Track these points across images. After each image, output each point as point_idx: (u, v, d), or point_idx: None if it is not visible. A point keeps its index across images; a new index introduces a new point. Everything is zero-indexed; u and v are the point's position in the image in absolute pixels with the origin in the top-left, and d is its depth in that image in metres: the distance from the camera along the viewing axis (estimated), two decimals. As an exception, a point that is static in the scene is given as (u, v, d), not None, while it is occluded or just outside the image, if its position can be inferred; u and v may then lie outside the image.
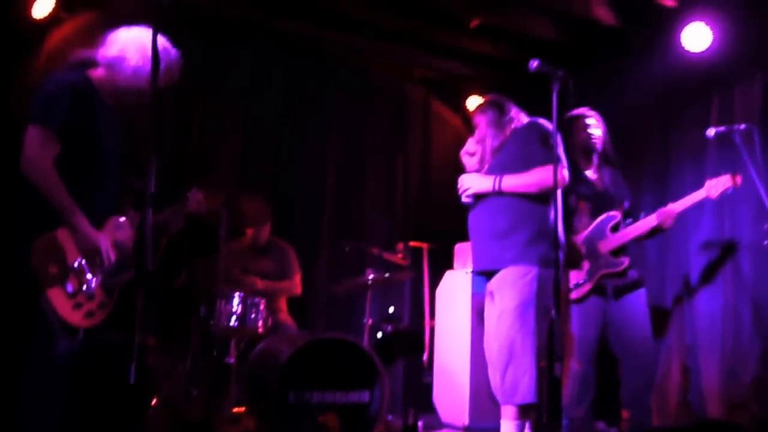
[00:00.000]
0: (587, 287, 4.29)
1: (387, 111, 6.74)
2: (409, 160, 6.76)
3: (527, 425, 3.57)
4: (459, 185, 3.88)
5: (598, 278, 4.28)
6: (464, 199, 3.85)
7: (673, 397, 4.98)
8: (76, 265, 2.82)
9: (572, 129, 4.50)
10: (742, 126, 4.08)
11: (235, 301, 4.47)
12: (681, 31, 5.01)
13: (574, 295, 4.32)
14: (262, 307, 4.58)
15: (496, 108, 3.96)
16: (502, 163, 3.81)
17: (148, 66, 2.99)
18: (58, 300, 2.74)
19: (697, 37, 4.96)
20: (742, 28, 4.85)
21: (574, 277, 4.34)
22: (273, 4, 5.49)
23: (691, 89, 5.20)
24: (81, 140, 2.88)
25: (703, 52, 4.97)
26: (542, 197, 3.70)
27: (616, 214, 4.38)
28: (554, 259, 3.39)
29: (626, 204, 4.47)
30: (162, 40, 3.10)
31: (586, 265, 4.33)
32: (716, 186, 4.12)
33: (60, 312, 2.72)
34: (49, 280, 2.74)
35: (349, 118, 6.50)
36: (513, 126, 3.91)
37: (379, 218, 6.49)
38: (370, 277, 5.06)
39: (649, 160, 5.44)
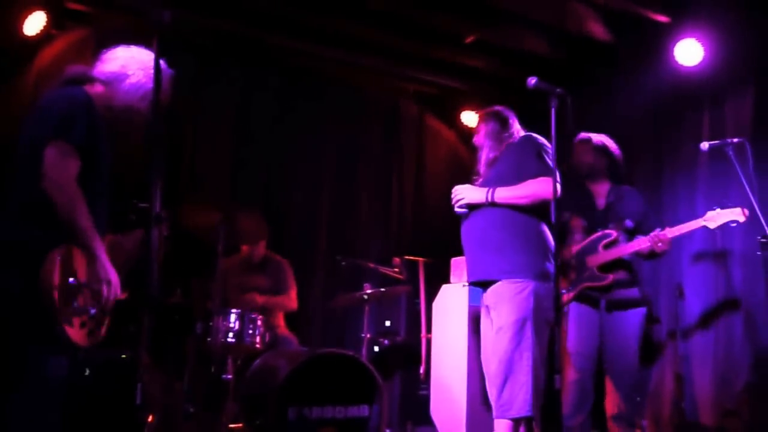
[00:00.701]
0: (568, 296, 4.42)
1: (381, 126, 6.79)
2: (403, 174, 6.81)
3: None
4: (452, 195, 3.86)
5: (579, 290, 4.39)
6: (457, 210, 3.83)
7: (666, 405, 5.04)
8: (84, 284, 2.81)
9: (579, 151, 4.64)
10: (735, 140, 4.12)
11: (233, 317, 4.48)
12: (673, 46, 5.10)
13: None
14: (259, 322, 4.59)
15: (499, 120, 3.97)
16: (496, 175, 3.79)
17: (149, 84, 3.03)
18: (67, 319, 2.73)
19: (689, 52, 5.05)
20: (733, 43, 4.92)
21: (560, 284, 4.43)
22: (265, 21, 5.52)
23: (683, 104, 5.29)
24: (91, 158, 2.83)
25: (695, 67, 5.06)
26: (537, 210, 3.69)
27: (611, 233, 4.45)
28: (551, 272, 3.43)
29: (628, 223, 4.49)
30: (149, 58, 3.10)
31: (571, 275, 4.45)
32: (717, 218, 4.18)
33: (67, 330, 2.70)
34: (61, 299, 2.69)
35: (344, 134, 6.54)
36: (511, 141, 3.91)
37: (374, 233, 6.53)
38: (367, 291, 5.09)
39: (641, 174, 5.48)
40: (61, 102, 2.84)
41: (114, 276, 2.86)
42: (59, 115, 2.78)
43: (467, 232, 3.83)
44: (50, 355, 2.72)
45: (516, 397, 3.48)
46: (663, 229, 4.29)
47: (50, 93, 2.94)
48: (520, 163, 3.73)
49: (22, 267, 2.67)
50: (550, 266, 3.59)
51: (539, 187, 3.60)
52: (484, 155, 3.90)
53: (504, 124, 3.96)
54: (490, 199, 3.69)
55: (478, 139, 3.97)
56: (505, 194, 3.67)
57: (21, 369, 2.70)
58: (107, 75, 3.03)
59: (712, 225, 4.20)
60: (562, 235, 4.54)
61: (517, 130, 3.98)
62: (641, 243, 4.33)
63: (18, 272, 2.67)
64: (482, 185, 3.81)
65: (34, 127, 2.84)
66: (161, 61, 3.06)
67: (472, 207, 3.78)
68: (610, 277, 4.37)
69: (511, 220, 3.69)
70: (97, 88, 3.01)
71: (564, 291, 4.42)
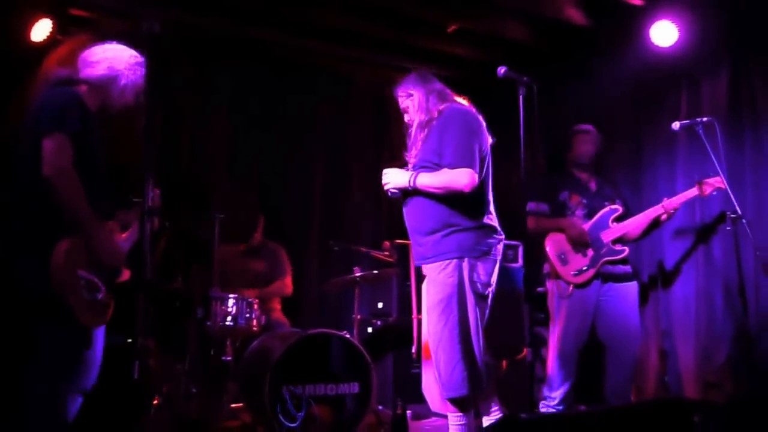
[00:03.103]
0: (591, 273, 4.57)
1: (370, 114, 6.87)
2: (393, 160, 6.86)
3: (472, 416, 3.45)
4: (382, 178, 3.66)
5: (600, 265, 4.57)
6: (390, 194, 3.63)
7: (651, 379, 5.11)
8: (89, 270, 2.93)
9: (572, 142, 4.87)
10: (705, 118, 4.27)
11: (230, 302, 4.64)
12: (649, 28, 5.14)
13: (578, 279, 4.58)
14: (255, 306, 4.75)
15: (422, 85, 3.71)
16: (422, 157, 3.59)
17: (138, 80, 3.17)
18: (77, 302, 2.86)
19: (664, 33, 5.10)
20: (707, 24, 4.98)
21: (577, 263, 4.60)
22: (253, 16, 5.60)
23: (661, 84, 5.34)
24: (84, 149, 2.95)
25: (670, 48, 5.11)
26: (479, 190, 3.50)
27: (617, 207, 4.70)
28: (481, 246, 3.41)
29: (619, 203, 4.75)
30: (134, 56, 3.26)
31: (590, 252, 4.61)
32: (705, 187, 4.41)
33: (77, 313, 2.85)
34: (71, 284, 2.83)
35: (334, 123, 6.64)
36: (439, 114, 3.60)
37: (365, 218, 6.64)
38: (359, 274, 5.19)
39: (622, 153, 5.56)
40: (53, 98, 3.00)
41: (113, 257, 3.03)
42: (53, 109, 2.94)
43: (405, 217, 3.68)
44: (61, 336, 2.88)
45: (450, 377, 3.37)
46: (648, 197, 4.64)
47: (43, 94, 3.07)
48: (442, 144, 3.49)
49: (33, 255, 2.83)
50: (479, 238, 3.46)
51: (455, 179, 3.40)
52: (415, 132, 3.66)
53: (426, 86, 3.70)
54: (412, 185, 3.50)
55: (408, 119, 3.74)
56: (425, 182, 3.48)
57: (35, 347, 2.86)
58: (98, 79, 3.17)
59: (704, 192, 4.40)
60: (561, 213, 4.74)
61: (444, 91, 3.72)
62: (653, 212, 4.55)
63: (30, 260, 2.84)
64: (413, 165, 3.62)
65: (30, 125, 2.98)
66: (139, 58, 3.21)
67: (405, 191, 3.59)
68: (626, 250, 4.61)
69: (436, 205, 3.51)
70: (83, 89, 3.15)
71: (584, 268, 4.59)
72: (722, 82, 4.94)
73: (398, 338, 5.32)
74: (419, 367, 5.35)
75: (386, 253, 5.67)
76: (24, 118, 3.09)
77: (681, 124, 4.35)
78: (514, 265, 5.45)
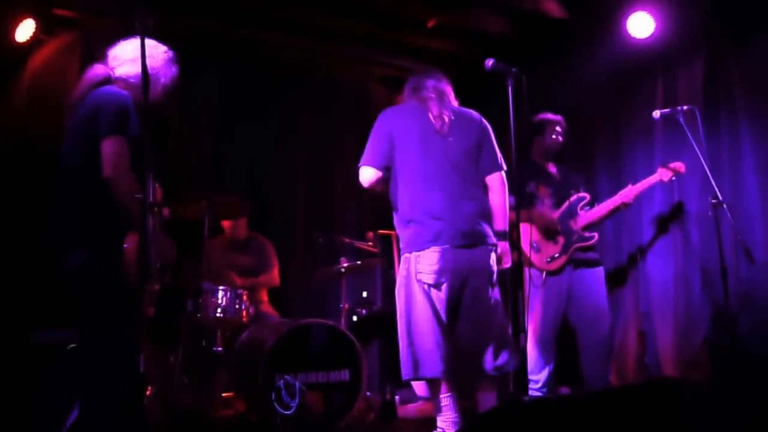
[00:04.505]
0: (563, 260, 4.64)
1: (352, 109, 6.93)
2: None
3: (450, 397, 3.49)
4: None
5: (572, 251, 4.64)
6: None
7: (630, 360, 5.22)
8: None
9: (544, 130, 4.90)
10: (686, 107, 4.35)
11: (220, 294, 4.66)
12: (626, 19, 5.23)
13: (551, 266, 4.65)
14: (245, 297, 4.78)
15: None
16: None
17: (173, 78, 3.22)
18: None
19: (640, 24, 5.19)
20: (684, 13, 5.07)
21: (550, 251, 4.68)
22: (236, 15, 5.64)
23: (638, 74, 5.43)
24: (136, 150, 2.96)
25: (647, 38, 5.21)
26: (403, 184, 3.65)
27: (585, 195, 4.77)
28: (427, 239, 3.49)
29: (583, 191, 4.83)
30: (166, 51, 3.28)
31: (561, 240, 4.68)
32: (665, 172, 4.52)
33: (141, 305, 2.84)
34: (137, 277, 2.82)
35: (317, 118, 6.69)
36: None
37: (349, 210, 6.70)
38: (344, 265, 5.26)
39: (601, 143, 5.67)
40: (108, 100, 2.96)
41: (167, 253, 3.08)
42: (110, 111, 2.92)
43: None
44: (122, 327, 2.90)
45: (401, 360, 3.54)
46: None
47: (92, 94, 3.03)
48: None
49: (98, 248, 2.87)
50: (418, 231, 3.56)
51: (361, 175, 3.72)
52: None
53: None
54: None
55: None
56: None
57: (95, 338, 2.91)
58: (137, 78, 3.09)
59: (665, 177, 4.50)
60: (530, 203, 4.77)
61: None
62: (616, 200, 4.65)
63: (95, 253, 2.87)
64: None
65: (85, 125, 2.96)
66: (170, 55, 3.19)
67: None
68: (596, 236, 4.68)
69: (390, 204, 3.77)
70: (121, 87, 3.12)
71: (556, 256, 4.66)
72: (698, 71, 5.02)
73: (383, 326, 5.37)
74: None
75: (370, 243, 5.73)
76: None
77: (662, 113, 4.44)
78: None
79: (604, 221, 4.91)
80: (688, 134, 4.30)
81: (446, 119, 3.68)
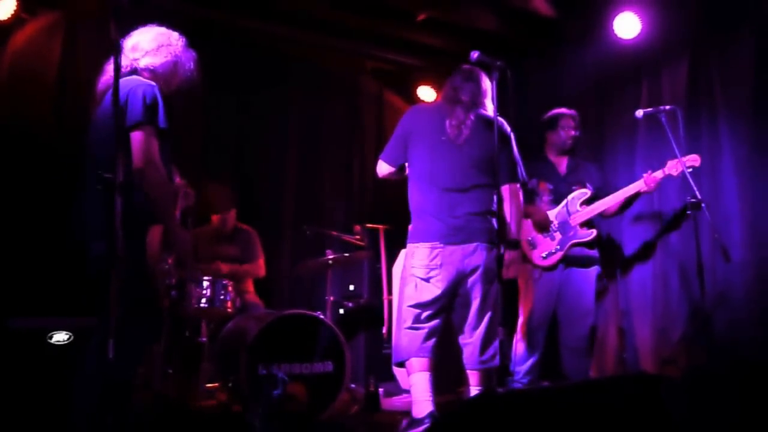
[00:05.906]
0: (559, 255, 4.69)
1: (342, 102, 6.95)
2: (364, 147, 6.97)
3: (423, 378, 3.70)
4: None
5: (568, 247, 4.68)
6: None
7: (610, 356, 5.28)
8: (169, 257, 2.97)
9: (557, 125, 4.92)
10: (668, 107, 4.39)
11: (205, 284, 4.68)
12: (613, 20, 5.27)
13: (546, 262, 4.70)
14: (230, 288, 4.80)
15: None
16: None
17: (192, 67, 3.24)
18: (161, 286, 2.91)
19: (627, 25, 5.23)
20: (669, 16, 5.12)
21: (546, 246, 4.73)
22: (226, 3, 5.62)
23: (623, 74, 5.46)
24: (164, 139, 2.98)
25: (633, 39, 5.25)
26: (415, 178, 3.89)
27: (586, 191, 4.78)
28: (420, 230, 3.75)
29: (589, 187, 4.83)
30: (182, 39, 3.28)
31: (557, 236, 4.71)
32: (677, 165, 4.45)
33: (160, 297, 2.91)
34: (159, 269, 2.88)
35: (307, 110, 6.69)
36: None
37: (337, 203, 6.71)
38: (331, 257, 5.28)
39: (585, 140, 5.53)
40: (139, 90, 2.94)
41: (185, 247, 3.03)
42: (142, 102, 2.91)
43: None
44: (146, 319, 2.95)
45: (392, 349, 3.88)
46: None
47: (122, 84, 2.96)
48: None
49: (122, 240, 2.82)
50: (417, 225, 3.83)
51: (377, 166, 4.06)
52: None
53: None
54: None
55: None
56: None
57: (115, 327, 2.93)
58: (162, 67, 3.16)
59: (674, 172, 4.50)
60: (530, 199, 4.82)
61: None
62: (632, 188, 4.63)
63: (130, 241, 2.80)
64: None
65: (105, 115, 2.96)
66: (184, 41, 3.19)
67: None
68: (594, 233, 4.70)
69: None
70: (147, 77, 3.12)
71: (553, 251, 4.71)
72: (682, 73, 5.06)
73: (369, 319, 5.39)
74: (390, 348, 5.44)
75: (357, 236, 5.75)
76: (94, 106, 3.08)
77: (644, 112, 4.47)
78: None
79: (618, 214, 4.94)
80: (669, 134, 4.33)
81: (464, 129, 3.79)
